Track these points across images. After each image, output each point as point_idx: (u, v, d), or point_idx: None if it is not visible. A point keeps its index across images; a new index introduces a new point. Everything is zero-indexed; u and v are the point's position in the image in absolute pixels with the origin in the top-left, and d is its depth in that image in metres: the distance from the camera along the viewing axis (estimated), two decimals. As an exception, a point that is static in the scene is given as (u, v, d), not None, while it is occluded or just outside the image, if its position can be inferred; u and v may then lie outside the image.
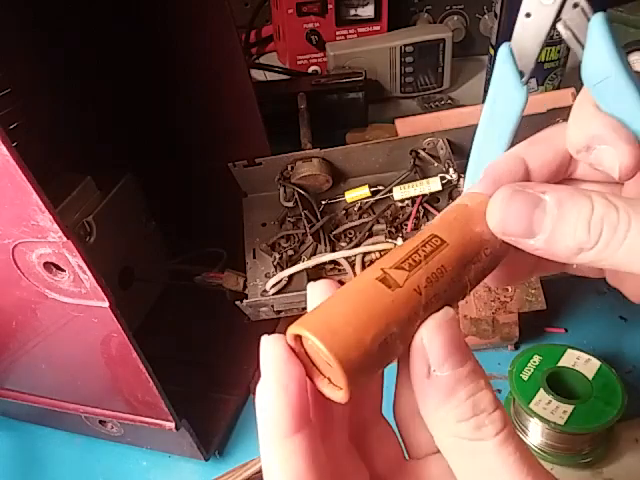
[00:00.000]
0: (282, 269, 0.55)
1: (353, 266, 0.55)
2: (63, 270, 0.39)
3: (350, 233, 0.58)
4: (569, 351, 0.53)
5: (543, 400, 0.49)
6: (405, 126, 0.68)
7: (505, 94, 0.28)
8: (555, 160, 0.27)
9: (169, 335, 0.64)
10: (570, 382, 0.51)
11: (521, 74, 0.28)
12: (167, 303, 0.67)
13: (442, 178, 0.55)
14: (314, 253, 0.57)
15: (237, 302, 0.56)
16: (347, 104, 0.85)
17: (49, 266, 0.39)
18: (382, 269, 0.23)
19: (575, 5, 0.26)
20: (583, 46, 0.26)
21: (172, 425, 0.49)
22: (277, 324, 0.60)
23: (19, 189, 0.34)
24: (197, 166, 0.64)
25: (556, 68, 0.85)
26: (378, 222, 0.57)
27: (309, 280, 0.55)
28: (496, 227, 0.24)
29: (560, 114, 0.54)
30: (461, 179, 0.54)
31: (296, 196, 0.58)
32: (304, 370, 0.22)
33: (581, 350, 0.53)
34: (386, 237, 0.55)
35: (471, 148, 0.30)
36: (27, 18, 0.55)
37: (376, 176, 0.60)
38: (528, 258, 0.27)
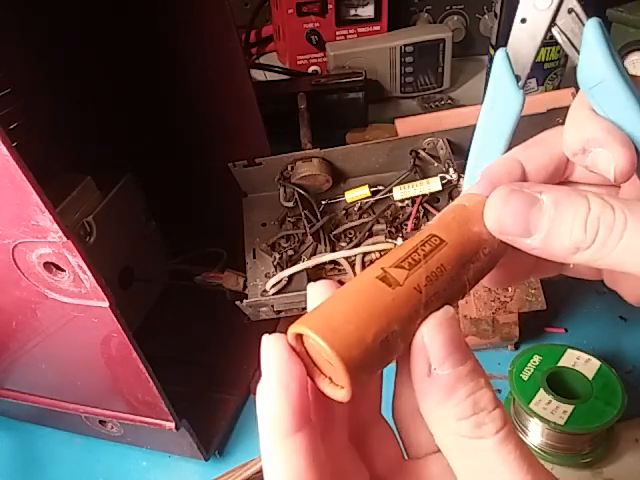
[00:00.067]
0: (282, 269, 0.55)
1: (353, 266, 0.55)
2: (63, 270, 0.39)
3: (350, 233, 0.58)
4: (569, 351, 0.53)
5: (543, 400, 0.49)
6: (405, 126, 0.68)
7: (502, 98, 0.28)
8: (551, 163, 0.28)
9: (169, 335, 0.64)
10: (570, 382, 0.51)
11: (517, 78, 0.28)
12: (167, 303, 0.67)
13: (442, 178, 0.55)
14: (314, 253, 0.57)
15: (237, 302, 0.56)
16: (347, 104, 0.85)
17: (49, 266, 0.39)
18: (382, 268, 0.23)
19: (570, 10, 0.26)
20: (578, 51, 0.26)
21: (172, 425, 0.49)
22: (277, 324, 0.60)
23: (19, 189, 0.34)
24: (197, 166, 0.64)
25: (556, 68, 0.85)
26: (378, 222, 0.57)
27: (309, 280, 0.55)
28: (493, 226, 0.25)
29: (560, 114, 0.54)
30: (461, 179, 0.54)
31: (296, 196, 0.58)
32: (305, 369, 0.22)
33: (581, 350, 0.53)
34: (386, 237, 0.55)
35: (469, 151, 0.30)
36: (27, 18, 0.55)
37: (376, 176, 0.60)
38: (526, 259, 0.27)
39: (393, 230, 0.56)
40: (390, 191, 0.57)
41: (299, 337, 0.22)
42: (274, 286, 0.55)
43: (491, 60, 0.90)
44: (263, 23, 1.12)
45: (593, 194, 0.23)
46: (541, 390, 0.50)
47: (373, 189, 0.58)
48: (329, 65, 0.95)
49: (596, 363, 0.51)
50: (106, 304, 0.40)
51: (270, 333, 0.23)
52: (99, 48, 0.61)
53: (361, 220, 0.58)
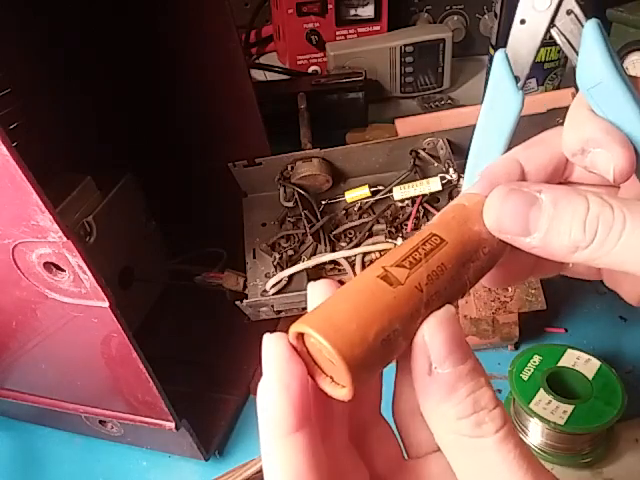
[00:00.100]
0: (282, 269, 0.55)
1: (353, 266, 0.55)
2: (63, 270, 0.39)
3: (350, 233, 0.58)
4: (569, 351, 0.53)
5: (543, 400, 0.49)
6: (405, 126, 0.68)
7: (501, 99, 0.29)
8: (551, 163, 0.28)
9: (169, 335, 0.64)
10: (570, 382, 0.51)
11: (517, 79, 0.28)
12: (167, 303, 0.67)
13: (442, 178, 0.55)
14: (314, 253, 0.57)
15: (237, 302, 0.56)
16: (347, 104, 0.85)
17: (49, 266, 0.39)
18: (383, 267, 0.23)
19: (569, 12, 0.26)
20: (577, 52, 0.26)
21: (172, 425, 0.49)
22: (277, 324, 0.60)
23: (19, 189, 0.34)
24: (197, 166, 0.64)
25: (556, 68, 0.85)
26: (378, 222, 0.57)
27: (309, 280, 0.55)
28: (493, 225, 0.25)
29: (560, 114, 0.54)
30: (461, 179, 0.54)
31: (296, 196, 0.58)
32: (306, 368, 0.22)
33: (581, 350, 0.53)
34: (386, 237, 0.55)
35: (469, 151, 0.30)
36: (27, 18, 0.55)
37: (376, 176, 0.60)
38: (525, 258, 0.27)
39: (393, 230, 0.56)
40: (390, 191, 0.57)
41: (300, 336, 0.22)
42: (274, 286, 0.55)
43: (491, 60, 0.90)
44: (263, 23, 1.12)
45: (592, 193, 0.23)
46: (541, 390, 0.50)
47: (373, 189, 0.58)
48: (329, 65, 0.95)
49: (596, 363, 0.51)
50: (106, 304, 0.40)
51: (271, 332, 0.23)
52: (99, 48, 0.61)
53: (361, 220, 0.58)
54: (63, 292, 0.41)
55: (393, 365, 0.24)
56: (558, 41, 0.27)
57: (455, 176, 0.55)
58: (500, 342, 0.59)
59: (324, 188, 0.60)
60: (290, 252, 0.57)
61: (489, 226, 0.25)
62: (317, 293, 0.25)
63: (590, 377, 0.50)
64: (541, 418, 0.48)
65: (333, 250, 0.56)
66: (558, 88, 0.87)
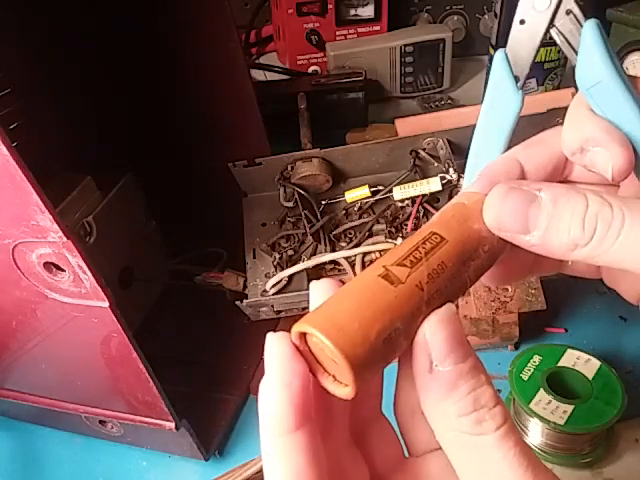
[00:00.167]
0: (282, 269, 0.55)
1: (353, 266, 0.55)
2: (63, 270, 0.39)
3: (350, 233, 0.58)
4: (569, 351, 0.53)
5: (543, 400, 0.49)
6: (405, 126, 0.68)
7: (501, 99, 0.29)
8: (550, 162, 0.28)
9: (169, 335, 0.64)
10: (570, 382, 0.51)
11: (516, 79, 0.28)
12: (167, 303, 0.67)
13: (442, 178, 0.55)
14: (314, 253, 0.57)
15: (237, 302, 0.56)
16: (347, 104, 0.85)
17: (49, 266, 0.39)
18: (384, 266, 0.23)
19: (568, 12, 0.27)
20: (576, 52, 0.26)
21: (172, 425, 0.49)
22: (277, 324, 0.60)
23: (19, 189, 0.34)
24: (197, 166, 0.64)
25: (556, 68, 0.85)
26: (378, 222, 0.57)
27: (309, 280, 0.55)
28: (492, 223, 0.25)
29: (560, 114, 0.54)
30: (461, 179, 0.54)
31: (296, 196, 0.58)
32: (308, 368, 0.22)
33: (581, 350, 0.53)
34: (386, 237, 0.55)
35: (469, 150, 0.30)
36: (27, 18, 0.55)
37: (376, 176, 0.60)
38: (525, 256, 0.27)
39: (393, 230, 0.56)
40: (390, 191, 0.57)
41: (303, 335, 0.22)
42: (274, 286, 0.55)
43: (491, 60, 0.90)
44: (263, 23, 1.12)
45: (591, 192, 0.23)
46: (541, 390, 0.50)
47: (373, 189, 0.58)
48: (329, 65, 0.95)
49: (596, 363, 0.51)
50: (106, 304, 0.40)
51: (274, 332, 0.23)
52: (99, 48, 0.61)
53: (361, 220, 0.58)
54: (63, 292, 0.41)
55: (394, 364, 0.24)
56: (557, 41, 0.27)
57: (455, 176, 0.55)
58: (500, 342, 0.59)
59: (324, 188, 0.60)
60: (290, 252, 0.57)
61: (489, 224, 0.25)
62: (319, 292, 0.25)
63: (590, 377, 0.50)
64: (541, 418, 0.48)
65: (333, 250, 0.56)
66: (558, 88, 0.87)
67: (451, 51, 0.93)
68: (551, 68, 0.85)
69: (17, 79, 0.53)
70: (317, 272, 0.56)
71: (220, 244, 0.65)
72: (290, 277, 0.55)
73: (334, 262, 0.56)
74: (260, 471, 0.50)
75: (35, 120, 0.54)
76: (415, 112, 0.92)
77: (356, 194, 0.58)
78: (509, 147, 0.29)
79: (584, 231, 0.23)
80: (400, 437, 0.27)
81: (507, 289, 0.58)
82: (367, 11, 0.97)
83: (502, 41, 0.85)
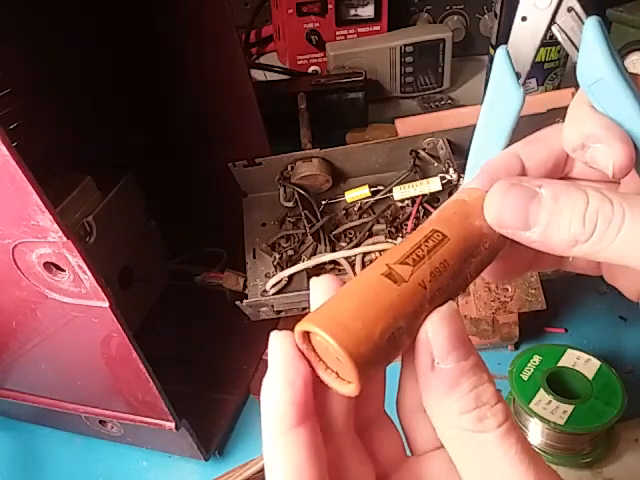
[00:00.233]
0: (282, 269, 0.55)
1: (353, 266, 0.55)
2: (63, 270, 0.39)
3: (350, 233, 0.58)
4: (569, 351, 0.53)
5: (543, 400, 0.49)
6: (405, 126, 0.68)
7: (502, 95, 0.29)
8: (551, 159, 0.28)
9: (169, 335, 0.64)
10: (570, 382, 0.51)
11: (518, 76, 0.28)
12: (167, 303, 0.67)
13: (442, 178, 0.55)
14: (314, 253, 0.57)
15: (237, 302, 0.56)
16: (347, 104, 0.85)
17: (49, 266, 0.39)
18: (387, 265, 0.23)
19: (569, 9, 0.27)
20: (578, 49, 0.26)
21: (172, 425, 0.49)
22: (277, 324, 0.60)
23: (19, 189, 0.34)
24: (197, 166, 0.64)
25: (556, 68, 0.85)
26: (378, 222, 0.57)
27: (309, 280, 0.55)
28: (493, 220, 0.25)
29: (560, 114, 0.54)
30: (461, 179, 0.54)
31: (296, 196, 0.58)
32: (310, 367, 0.22)
33: (581, 350, 0.53)
34: (386, 237, 0.55)
35: (469, 149, 0.30)
36: (27, 18, 0.55)
37: (376, 176, 0.60)
38: (525, 252, 0.27)
39: (393, 230, 0.56)
40: (390, 191, 0.57)
41: (306, 334, 0.22)
42: (274, 286, 0.55)
43: (491, 60, 0.90)
44: (263, 23, 1.12)
45: (592, 188, 0.24)
46: (541, 390, 0.50)
47: (373, 189, 0.58)
48: (329, 65, 0.95)
49: (596, 363, 0.51)
50: (106, 304, 0.40)
51: (279, 330, 0.23)
52: (99, 48, 0.61)
53: (361, 220, 0.58)
54: (63, 292, 0.41)
55: (396, 363, 0.24)
56: (559, 38, 0.27)
57: (455, 176, 0.55)
58: (500, 342, 0.59)
59: (324, 188, 0.60)
60: (290, 252, 0.57)
61: (489, 221, 0.25)
62: (320, 289, 0.25)
63: (590, 377, 0.50)
64: (541, 418, 0.48)
65: (333, 250, 0.56)
66: (558, 88, 0.87)
67: (451, 51, 0.92)
68: (551, 68, 0.85)
69: (17, 79, 0.53)
70: (317, 272, 0.56)
71: (220, 244, 0.65)
72: (290, 277, 0.55)
73: (334, 262, 0.56)
74: (260, 471, 0.50)
75: (35, 120, 0.54)
76: (415, 112, 0.92)
77: (356, 194, 0.58)
78: (510, 145, 0.29)
79: (585, 227, 0.23)
80: (403, 436, 0.28)
81: (507, 289, 0.58)
82: (367, 11, 0.97)
83: (502, 41, 0.84)
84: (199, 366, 0.61)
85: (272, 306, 0.56)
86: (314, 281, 0.26)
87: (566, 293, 0.65)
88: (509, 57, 0.28)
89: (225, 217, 0.59)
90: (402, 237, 0.55)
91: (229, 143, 0.63)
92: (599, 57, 0.25)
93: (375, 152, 0.58)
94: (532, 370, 0.51)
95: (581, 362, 0.52)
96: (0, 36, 0.52)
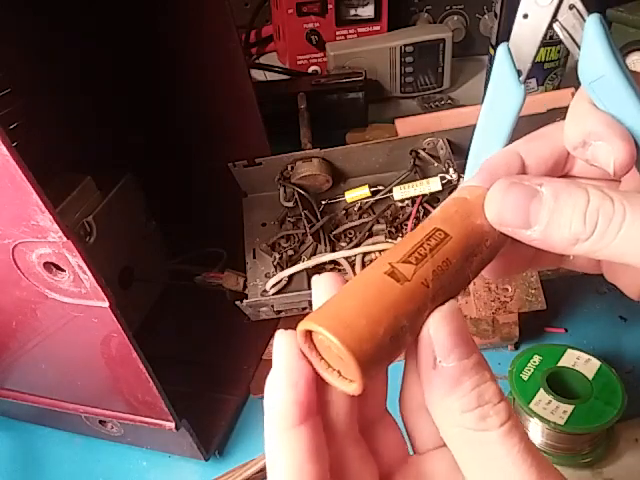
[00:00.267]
0: (282, 269, 0.55)
1: (353, 266, 0.55)
2: (63, 270, 0.39)
3: (350, 233, 0.58)
4: (569, 351, 0.53)
5: (543, 400, 0.49)
6: (405, 126, 0.68)
7: (503, 92, 0.29)
8: (551, 157, 0.28)
9: (169, 335, 0.64)
10: (570, 382, 0.51)
11: (519, 73, 0.28)
12: (167, 303, 0.67)
13: (442, 178, 0.55)
14: (314, 253, 0.57)
15: (237, 302, 0.56)
16: (347, 104, 0.85)
17: (49, 266, 0.39)
18: (389, 263, 0.23)
19: (571, 7, 0.27)
20: (579, 46, 0.26)
21: (172, 425, 0.49)
22: (277, 324, 0.60)
23: (19, 189, 0.34)
24: (197, 166, 0.64)
25: (556, 68, 0.85)
26: (378, 222, 0.57)
27: (309, 280, 0.55)
28: (494, 218, 0.25)
29: (560, 114, 0.53)
30: (461, 179, 0.54)
31: (296, 196, 0.58)
32: (313, 367, 0.22)
33: (581, 350, 0.53)
34: (386, 237, 0.55)
35: (470, 149, 0.30)
36: (27, 18, 0.55)
37: (376, 176, 0.60)
38: (525, 251, 0.27)
39: (393, 230, 0.56)
40: (390, 191, 0.57)
41: (308, 333, 0.22)
42: (274, 286, 0.55)
43: (491, 60, 0.90)
44: (263, 23, 1.12)
45: (592, 186, 0.24)
46: (541, 390, 0.50)
47: (373, 189, 0.58)
48: (329, 65, 0.95)
49: (596, 363, 0.51)
50: (106, 304, 0.40)
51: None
52: (99, 48, 0.61)
53: (361, 220, 0.58)
54: (63, 292, 0.41)
55: (398, 362, 0.24)
56: (560, 36, 0.27)
57: (455, 176, 0.55)
58: (500, 342, 0.59)
59: (324, 188, 0.60)
60: (290, 252, 0.57)
61: (490, 219, 0.25)
62: (322, 287, 0.26)
63: (590, 377, 0.50)
64: (541, 418, 0.48)
65: (333, 250, 0.56)
66: (558, 88, 0.87)
67: (451, 51, 0.92)
68: (551, 68, 0.85)
69: (17, 79, 0.53)
70: (317, 272, 0.55)
71: (220, 244, 0.65)
72: (290, 277, 0.55)
73: (334, 262, 0.56)
74: (260, 471, 0.50)
75: (35, 120, 0.54)
76: (415, 112, 0.92)
77: (356, 194, 0.58)
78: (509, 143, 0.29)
79: (585, 225, 0.23)
80: (405, 434, 0.28)
81: (507, 289, 0.58)
82: (367, 11, 0.97)
83: (502, 41, 0.85)
84: (199, 366, 0.61)
85: (272, 306, 0.56)
86: (316, 279, 0.26)
87: (566, 293, 0.65)
88: (510, 54, 0.28)
89: (225, 217, 0.59)
90: (402, 237, 0.55)
91: (229, 143, 0.63)
92: (600, 55, 0.25)
93: (375, 152, 0.58)
94: (532, 370, 0.51)
95: (581, 362, 0.52)
96: (0, 36, 0.52)
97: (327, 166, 0.59)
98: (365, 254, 0.55)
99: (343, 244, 0.56)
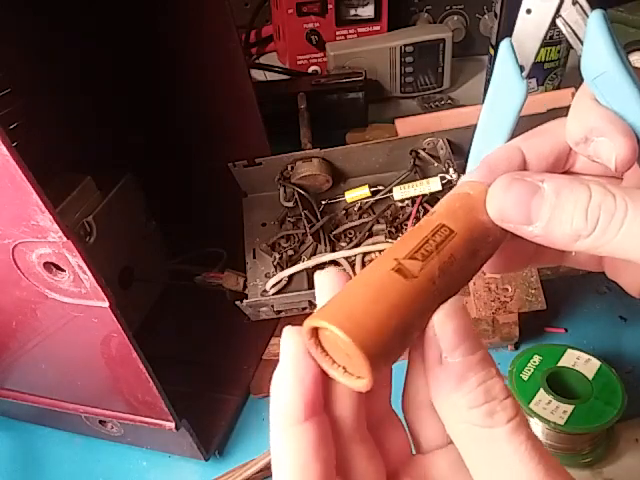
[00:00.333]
0: (282, 269, 0.55)
1: (353, 266, 0.55)
2: (63, 270, 0.39)
3: (350, 233, 0.58)
4: (569, 351, 0.53)
5: (543, 400, 0.49)
6: (405, 126, 0.68)
7: (506, 88, 0.29)
8: (552, 153, 0.28)
9: (169, 335, 0.64)
10: (570, 382, 0.51)
11: (521, 69, 0.28)
12: (167, 303, 0.67)
13: (442, 178, 0.55)
14: (314, 253, 0.57)
15: (237, 302, 0.56)
16: (347, 104, 0.85)
17: (49, 266, 0.39)
18: (396, 259, 0.23)
19: (574, 2, 0.27)
20: (582, 42, 0.26)
21: (172, 425, 0.49)
22: (277, 324, 0.60)
23: (19, 189, 0.34)
24: (197, 166, 0.64)
25: (556, 68, 0.85)
26: (378, 222, 0.57)
27: (309, 280, 0.55)
28: (495, 214, 0.25)
29: (560, 114, 0.53)
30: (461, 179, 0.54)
31: (296, 196, 0.58)
32: (318, 364, 0.22)
33: (581, 350, 0.53)
34: (386, 237, 0.55)
35: (470, 149, 0.30)
36: (27, 18, 0.55)
37: (376, 176, 0.60)
38: (526, 246, 0.27)
39: (393, 230, 0.56)
40: (390, 191, 0.57)
41: (314, 330, 0.22)
42: (274, 286, 0.55)
43: (491, 60, 0.90)
44: (263, 23, 1.12)
45: (594, 182, 0.24)
46: (541, 390, 0.50)
47: (373, 189, 0.58)
48: (329, 65, 0.95)
49: (596, 363, 0.51)
50: (106, 304, 0.40)
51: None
52: (99, 48, 0.61)
53: (361, 220, 0.58)
54: (63, 292, 0.41)
55: (401, 361, 0.24)
56: (563, 31, 0.27)
57: (455, 176, 0.55)
58: (500, 342, 0.59)
59: (324, 188, 0.60)
60: (290, 252, 0.57)
61: (492, 215, 0.25)
62: (325, 284, 0.25)
63: (590, 377, 0.50)
64: (541, 418, 0.48)
65: (333, 250, 0.56)
66: (558, 88, 0.87)
67: (451, 51, 0.92)
68: (551, 68, 0.85)
69: (17, 79, 0.53)
70: (317, 272, 0.56)
71: (220, 244, 0.65)
72: (290, 277, 0.55)
73: (334, 262, 0.56)
74: (260, 471, 0.50)
75: (35, 120, 0.54)
76: (415, 112, 0.92)
77: (356, 194, 0.58)
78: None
79: (587, 222, 0.23)
80: (408, 433, 0.27)
81: (507, 289, 0.58)
82: (367, 11, 0.97)
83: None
84: (199, 366, 0.61)
85: (272, 306, 0.56)
86: (319, 275, 0.26)
87: (566, 293, 0.65)
88: (513, 50, 0.28)
89: (225, 217, 0.59)
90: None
91: (229, 143, 0.63)
92: (603, 50, 0.25)
93: (375, 152, 0.58)
94: (532, 370, 0.51)
95: (581, 362, 0.52)
96: (0, 36, 0.52)
97: (327, 166, 0.59)
98: (365, 254, 0.55)
99: (343, 244, 0.56)
